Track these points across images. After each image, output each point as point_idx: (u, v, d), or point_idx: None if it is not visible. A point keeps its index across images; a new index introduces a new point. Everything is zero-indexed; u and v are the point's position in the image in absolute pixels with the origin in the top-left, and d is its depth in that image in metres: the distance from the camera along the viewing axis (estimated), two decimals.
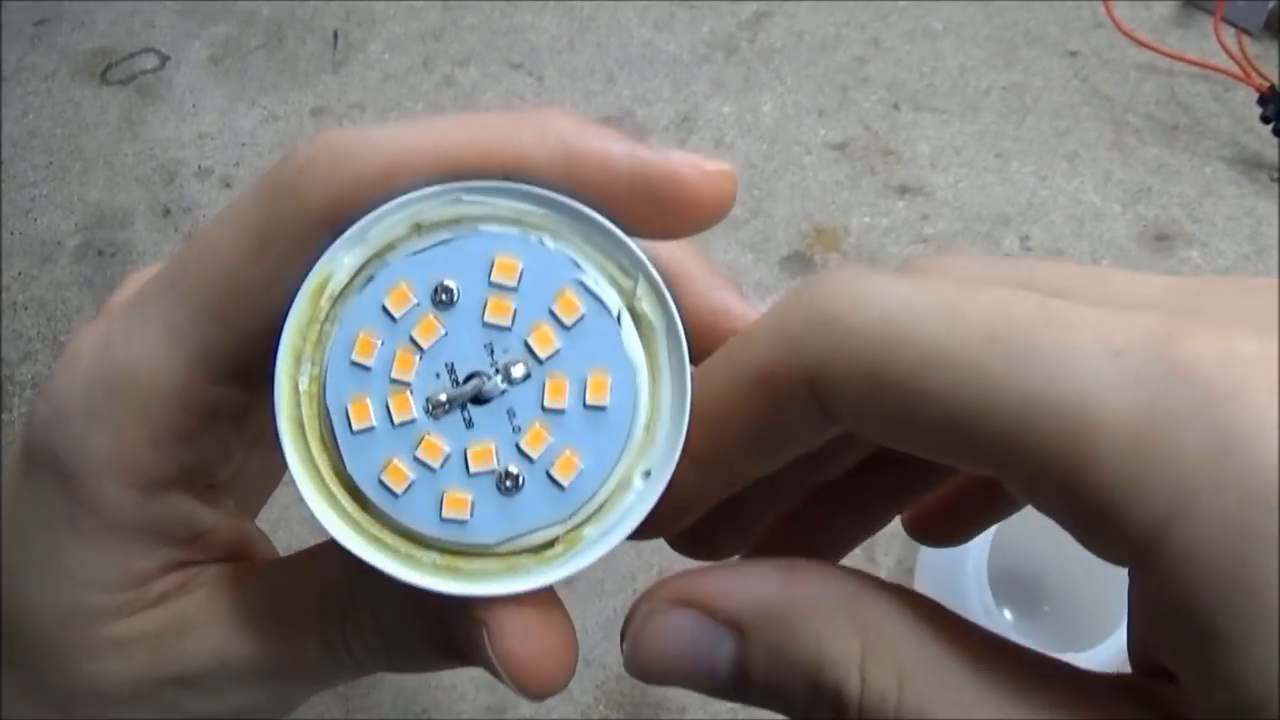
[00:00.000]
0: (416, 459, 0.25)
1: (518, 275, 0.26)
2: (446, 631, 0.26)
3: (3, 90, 0.80)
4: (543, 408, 0.25)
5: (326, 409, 0.25)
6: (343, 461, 0.25)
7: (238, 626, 0.27)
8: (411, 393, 0.25)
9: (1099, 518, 0.19)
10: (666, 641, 0.24)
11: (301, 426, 0.26)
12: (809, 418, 0.23)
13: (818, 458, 0.25)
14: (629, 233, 0.26)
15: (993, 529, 0.50)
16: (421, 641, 0.27)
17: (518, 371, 0.25)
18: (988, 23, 0.79)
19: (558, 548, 0.26)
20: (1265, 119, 0.69)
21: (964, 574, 0.50)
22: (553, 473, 0.25)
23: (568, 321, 0.26)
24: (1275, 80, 0.69)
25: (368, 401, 0.25)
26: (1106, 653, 0.48)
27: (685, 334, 0.26)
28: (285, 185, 0.26)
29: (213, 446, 0.28)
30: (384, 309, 0.25)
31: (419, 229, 0.26)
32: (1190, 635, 0.18)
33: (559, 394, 0.25)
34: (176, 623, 0.27)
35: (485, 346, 0.26)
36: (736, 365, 0.24)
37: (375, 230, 0.26)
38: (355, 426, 0.25)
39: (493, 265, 0.26)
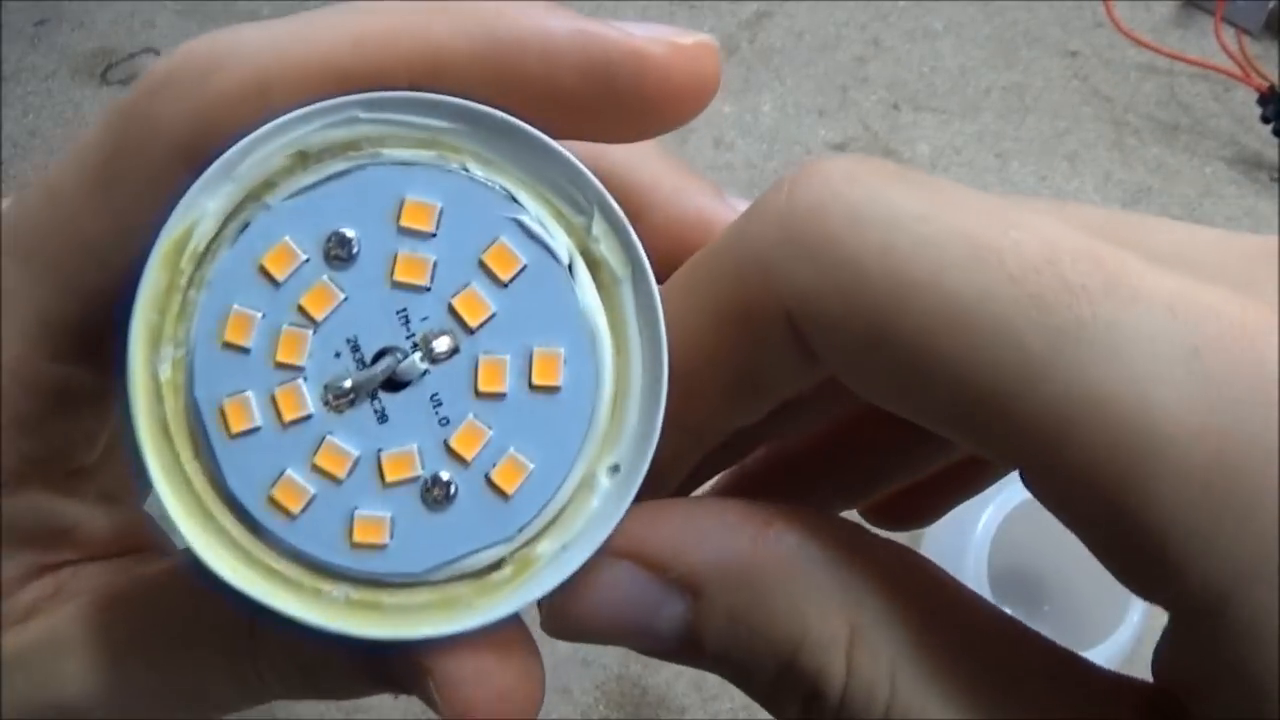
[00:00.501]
0: (315, 468, 0.19)
1: (435, 217, 0.19)
2: (379, 663, 0.21)
3: (3, 90, 0.80)
4: (476, 392, 0.19)
5: (196, 406, 0.19)
6: (220, 474, 0.19)
7: (122, 650, 0.23)
8: (305, 380, 0.19)
9: (1149, 556, 0.16)
10: (595, 599, 0.20)
11: (165, 428, 0.20)
12: (790, 359, 0.19)
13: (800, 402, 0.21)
14: (576, 142, 0.20)
15: (993, 527, 0.50)
16: (347, 674, 0.22)
17: (441, 346, 0.19)
18: (988, 23, 0.81)
19: (505, 571, 0.20)
20: (1265, 119, 0.69)
21: (964, 572, 0.49)
22: (493, 477, 0.19)
23: (504, 276, 0.19)
24: (1275, 80, 0.69)
25: (248, 395, 0.19)
26: (1106, 652, 0.48)
27: (656, 281, 0.20)
28: (135, 109, 0.20)
29: (67, 431, 0.23)
30: (262, 270, 0.19)
31: (304, 160, 0.20)
32: (1245, 706, 0.16)
33: (496, 374, 0.19)
34: (50, 642, 0.23)
35: (398, 314, 0.19)
36: (698, 292, 0.20)
37: (248, 163, 0.20)
38: (234, 429, 0.19)
39: (402, 206, 0.19)
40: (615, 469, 0.20)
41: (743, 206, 0.23)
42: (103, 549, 0.24)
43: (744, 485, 0.26)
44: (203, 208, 0.20)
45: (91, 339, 0.21)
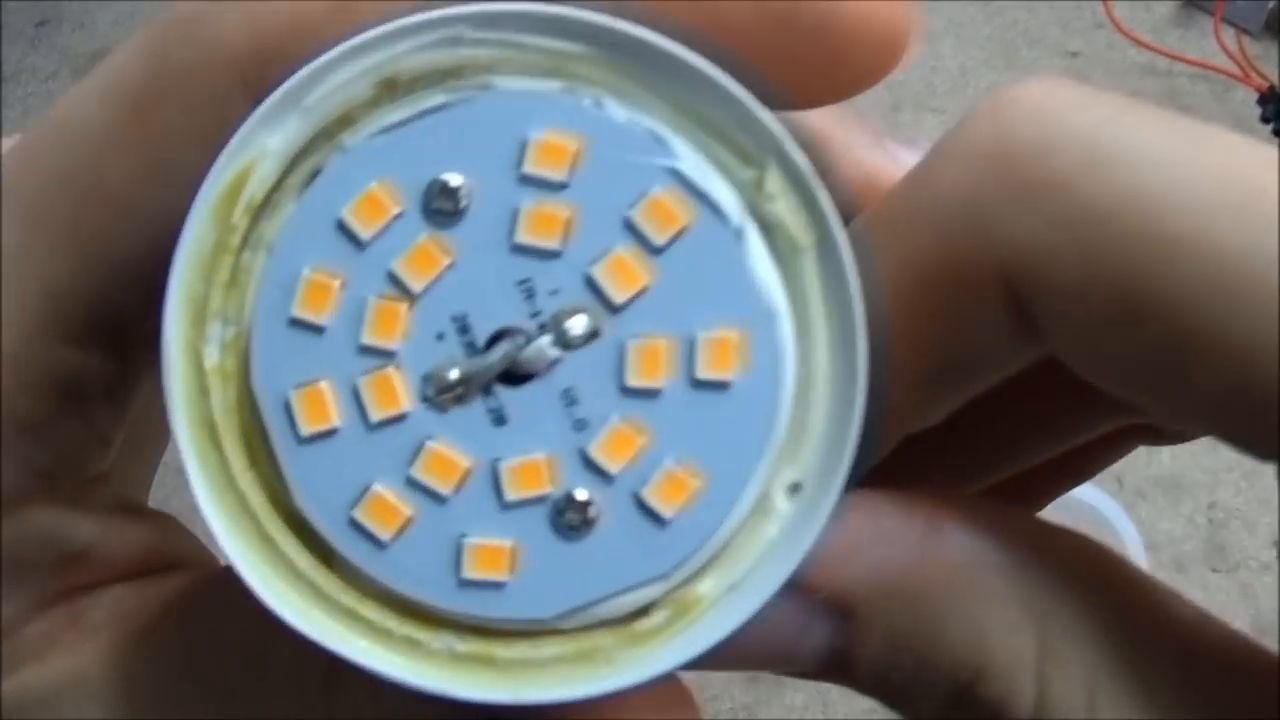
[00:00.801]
0: (414, 482, 0.15)
1: (569, 163, 0.15)
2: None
3: (3, 91, 0.80)
4: (624, 388, 0.15)
5: (255, 400, 0.15)
6: (287, 488, 0.15)
7: (161, 695, 0.18)
8: (400, 368, 0.15)
9: None
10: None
11: (212, 429, 0.15)
12: (1005, 335, 0.16)
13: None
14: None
15: None
16: None
17: (578, 327, 0.15)
18: (988, 23, 0.79)
19: (657, 617, 0.15)
20: (1265, 119, 0.69)
21: None
22: (646, 497, 0.15)
23: (658, 239, 0.15)
24: (1275, 80, 0.69)
25: (324, 386, 0.15)
26: None
27: (848, 250, 0.15)
28: (184, 20, 0.16)
29: (80, 433, 0.18)
30: (342, 226, 0.15)
31: (392, 89, 0.15)
32: None
33: (651, 363, 0.15)
34: (73, 685, 0.19)
35: (520, 286, 0.15)
36: (893, 254, 0.16)
37: (320, 92, 0.15)
38: (305, 430, 0.15)
39: (525, 148, 0.15)
40: (796, 488, 0.15)
41: (909, 154, 0.19)
42: (124, 569, 0.19)
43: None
44: (262, 146, 0.15)
45: (112, 316, 0.17)
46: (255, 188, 0.15)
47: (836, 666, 0.17)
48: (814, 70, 0.16)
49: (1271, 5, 0.73)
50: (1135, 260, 0.14)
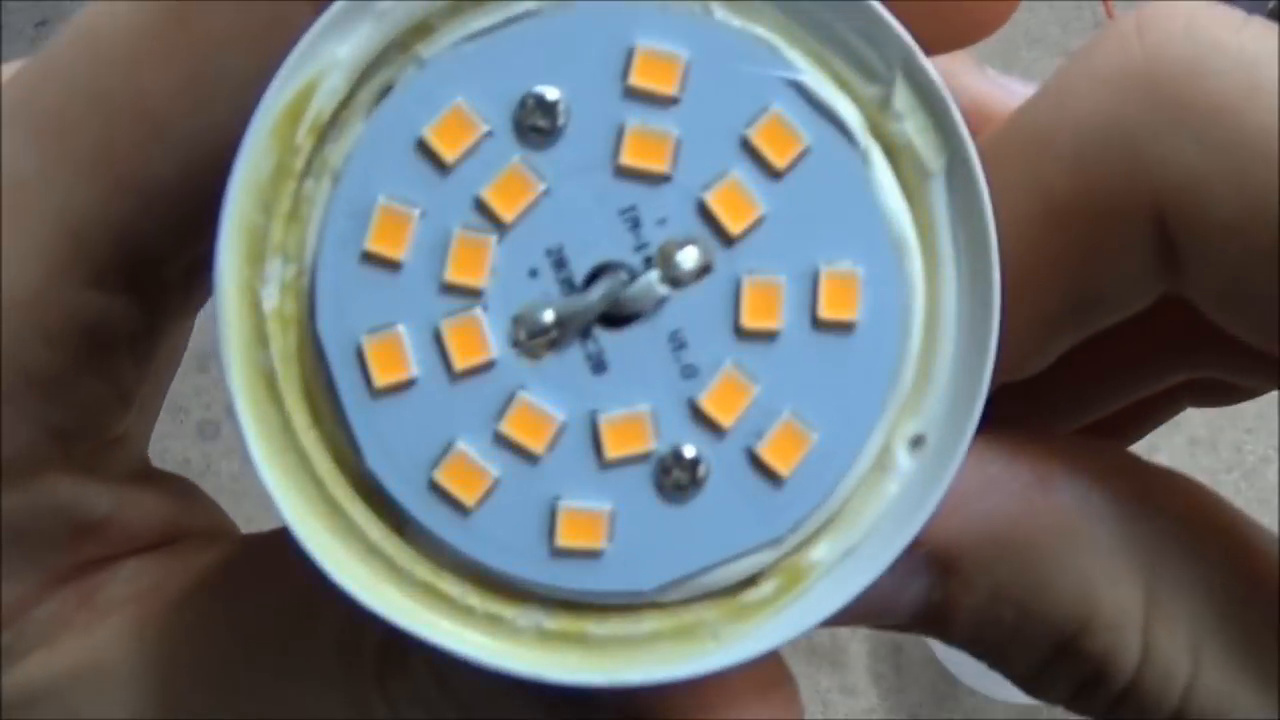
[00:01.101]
0: (502, 439, 0.13)
1: (680, 76, 0.13)
2: (580, 710, 0.15)
3: None
4: (738, 330, 0.13)
5: (320, 347, 0.13)
6: (356, 447, 0.13)
7: (190, 678, 0.17)
8: (486, 310, 0.13)
9: None
10: None
11: (271, 381, 0.13)
12: (1148, 268, 0.15)
13: None
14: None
15: None
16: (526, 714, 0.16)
17: (688, 261, 0.13)
18: None
19: (765, 587, 0.14)
20: None
21: None
22: (761, 453, 0.13)
23: (779, 163, 0.13)
24: None
25: (400, 331, 0.13)
26: None
27: (983, 175, 0.14)
28: None
29: (100, 390, 0.16)
30: (423, 147, 0.13)
31: None
32: None
33: (768, 303, 0.13)
34: (92, 670, 0.17)
35: (623, 215, 0.13)
36: (1020, 183, 0.15)
37: None
38: (379, 381, 0.13)
39: (631, 58, 0.13)
40: (919, 441, 0.14)
41: (1020, 85, 0.17)
42: (142, 541, 0.17)
43: None
44: (330, 56, 0.13)
45: (142, 253, 0.15)
46: (322, 104, 0.13)
47: (931, 620, 0.16)
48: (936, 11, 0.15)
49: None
50: None
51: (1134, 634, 0.15)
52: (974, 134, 0.16)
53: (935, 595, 0.16)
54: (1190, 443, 0.48)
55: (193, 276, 0.16)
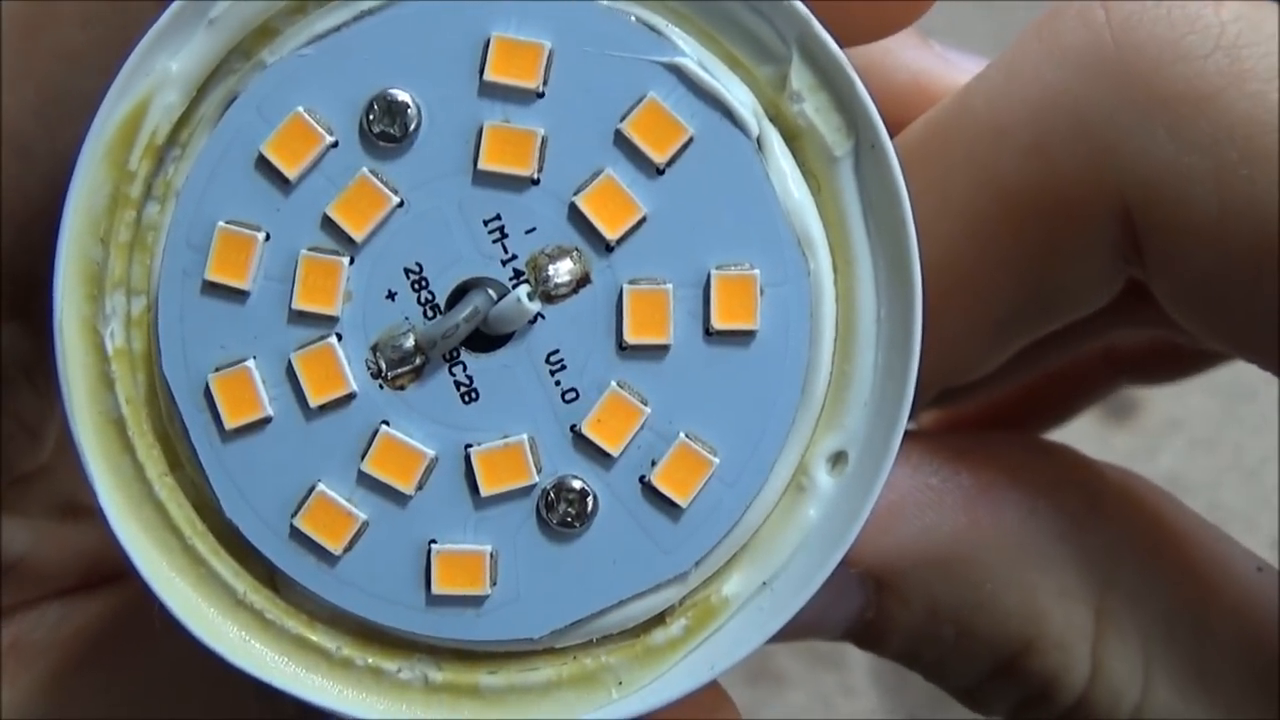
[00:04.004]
0: (366, 478, 0.12)
1: (541, 65, 0.12)
2: None
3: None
4: (621, 345, 0.12)
5: (169, 389, 0.12)
6: (214, 495, 0.12)
7: None
8: (340, 339, 0.12)
9: None
10: None
11: (121, 428, 0.12)
12: (1109, 266, 0.14)
13: None
14: None
15: None
16: None
17: (562, 273, 0.12)
18: (988, 22, 0.73)
19: (674, 628, 0.13)
20: None
21: None
22: (655, 481, 0.12)
23: (658, 156, 0.12)
24: None
25: (249, 367, 0.12)
26: None
27: (897, 158, 0.12)
28: None
29: (3, 425, 0.16)
30: (263, 163, 0.12)
31: None
32: None
33: (657, 314, 0.12)
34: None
35: (488, 226, 0.12)
36: (969, 172, 0.14)
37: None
38: (230, 422, 0.12)
39: (487, 50, 0.12)
40: (839, 458, 0.12)
41: (961, 59, 0.16)
42: (67, 577, 0.17)
43: None
44: (163, 70, 0.12)
45: (21, 280, 0.14)
46: (157, 122, 0.12)
47: (864, 637, 0.15)
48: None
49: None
50: None
51: (1082, 652, 0.14)
52: (914, 113, 0.14)
53: (869, 612, 0.15)
54: (1190, 443, 0.46)
55: None
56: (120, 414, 0.12)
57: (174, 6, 0.12)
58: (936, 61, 0.16)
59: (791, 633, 0.15)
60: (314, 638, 0.12)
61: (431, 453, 0.12)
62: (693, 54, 0.12)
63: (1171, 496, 0.15)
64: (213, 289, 0.12)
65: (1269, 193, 0.12)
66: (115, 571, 0.18)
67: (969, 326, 0.14)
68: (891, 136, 0.13)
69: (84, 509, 0.18)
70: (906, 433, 0.13)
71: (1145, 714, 0.14)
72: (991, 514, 0.14)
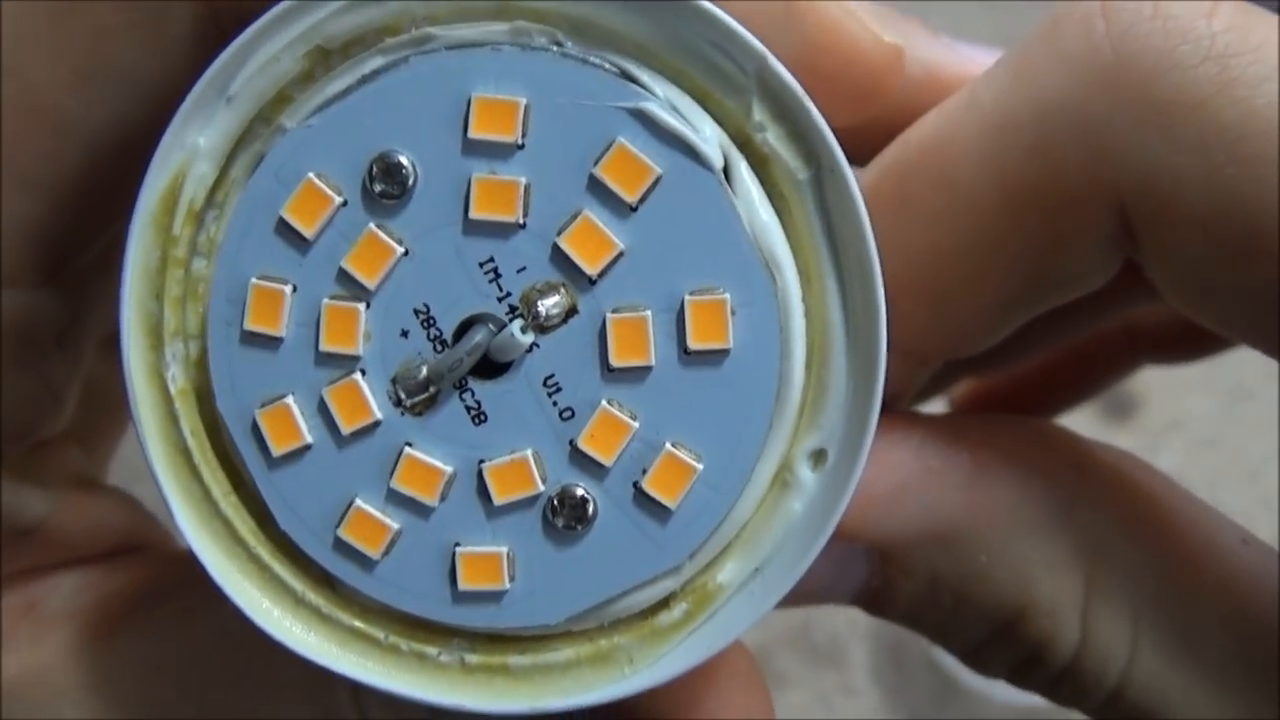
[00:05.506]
0: (395, 494, 0.14)
1: (519, 119, 0.13)
2: None
3: None
4: (608, 368, 0.13)
5: (223, 422, 0.14)
6: (269, 511, 0.14)
7: (147, 696, 0.17)
8: (363, 374, 0.14)
9: None
10: None
11: (188, 457, 0.14)
12: (1102, 256, 0.15)
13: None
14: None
15: None
16: None
17: (551, 305, 0.13)
18: (988, 23, 0.69)
19: (676, 611, 0.14)
20: None
21: None
22: (646, 486, 0.13)
23: (629, 196, 0.13)
24: None
25: (290, 402, 0.14)
26: None
27: (853, 178, 0.13)
28: None
29: (29, 389, 0.17)
30: (284, 225, 0.13)
31: (325, 57, 0.14)
32: None
33: (635, 338, 0.13)
34: (38, 682, 0.17)
35: (483, 268, 0.13)
36: (977, 165, 0.15)
37: (247, 74, 0.14)
38: (277, 450, 0.14)
39: (469, 108, 0.13)
40: (820, 456, 0.14)
41: (980, 53, 0.16)
42: (83, 548, 0.18)
43: None
44: (193, 145, 0.14)
45: (57, 247, 0.16)
46: (193, 192, 0.14)
47: (870, 602, 0.16)
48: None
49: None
50: (1268, 191, 0.13)
51: (1072, 619, 0.15)
52: (928, 104, 0.15)
53: (875, 581, 0.16)
54: (1190, 443, 0.45)
55: (108, 259, 0.16)
56: (187, 444, 0.14)
57: (196, 89, 0.14)
58: (949, 53, 0.17)
59: (803, 598, 0.16)
60: (366, 628, 0.14)
61: (450, 469, 0.14)
62: (662, 93, 0.13)
63: (1161, 473, 0.16)
64: (251, 337, 0.14)
65: (1253, 189, 0.13)
66: (129, 546, 0.19)
67: (972, 304, 0.15)
68: (890, 138, 0.14)
69: (104, 486, 0.19)
70: (912, 415, 0.14)
71: (1133, 678, 0.15)
72: (987, 492, 0.15)
